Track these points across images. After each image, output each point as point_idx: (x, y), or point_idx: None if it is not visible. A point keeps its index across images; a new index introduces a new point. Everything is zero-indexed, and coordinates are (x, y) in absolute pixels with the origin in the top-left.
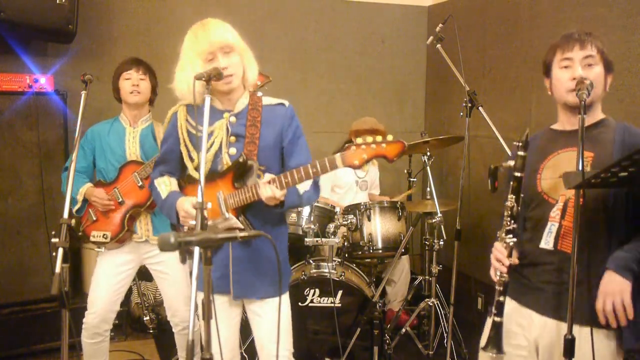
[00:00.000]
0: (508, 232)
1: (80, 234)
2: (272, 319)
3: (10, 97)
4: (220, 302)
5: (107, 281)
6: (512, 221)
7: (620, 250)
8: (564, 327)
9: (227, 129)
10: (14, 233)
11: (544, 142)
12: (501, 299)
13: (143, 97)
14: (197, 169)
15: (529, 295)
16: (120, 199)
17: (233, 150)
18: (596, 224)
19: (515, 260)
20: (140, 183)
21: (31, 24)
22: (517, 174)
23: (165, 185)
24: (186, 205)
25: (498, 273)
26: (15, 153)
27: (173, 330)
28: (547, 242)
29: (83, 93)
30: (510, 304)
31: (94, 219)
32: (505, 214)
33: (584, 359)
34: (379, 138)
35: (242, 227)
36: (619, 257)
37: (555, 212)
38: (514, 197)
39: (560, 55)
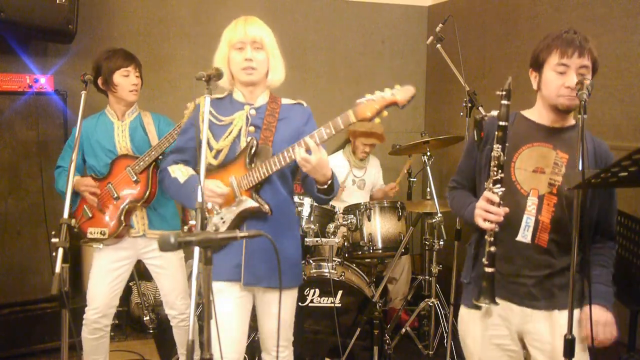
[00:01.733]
0: (496, 182)
1: (75, 230)
2: (274, 310)
3: (10, 97)
4: (233, 292)
5: (106, 277)
6: (500, 171)
7: (601, 284)
8: (539, 314)
9: (247, 118)
10: (14, 233)
11: (520, 130)
12: (492, 249)
13: (138, 95)
14: (215, 157)
15: (505, 288)
16: (115, 195)
17: (243, 142)
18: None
19: (505, 209)
20: (135, 178)
21: (31, 24)
22: (502, 123)
23: (181, 171)
24: (211, 185)
25: (487, 223)
26: (15, 153)
27: (171, 324)
28: (524, 235)
29: (83, 93)
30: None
31: (90, 215)
32: (492, 163)
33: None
34: (386, 89)
35: (256, 205)
36: (603, 291)
37: (531, 206)
38: (500, 146)
39: (556, 58)
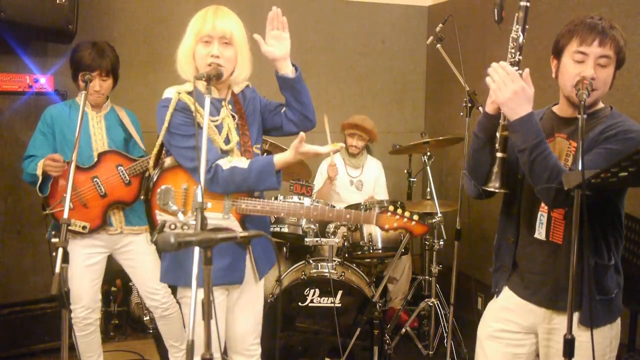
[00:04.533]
0: (513, 64)
1: (45, 212)
2: (254, 308)
3: (10, 97)
4: (217, 297)
5: (85, 274)
6: (518, 53)
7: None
8: (556, 316)
9: (232, 116)
10: (14, 233)
11: (545, 125)
12: (505, 133)
13: (104, 97)
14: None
15: (527, 289)
16: (103, 192)
17: (236, 137)
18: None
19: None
20: (128, 180)
21: (31, 24)
22: (523, 3)
23: (231, 160)
24: (289, 152)
25: (492, 84)
26: (15, 153)
27: (154, 316)
28: (539, 232)
29: (83, 93)
30: (508, 293)
31: (71, 206)
32: (510, 45)
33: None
34: (408, 214)
35: (240, 231)
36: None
37: None
38: (519, 27)
39: (576, 45)
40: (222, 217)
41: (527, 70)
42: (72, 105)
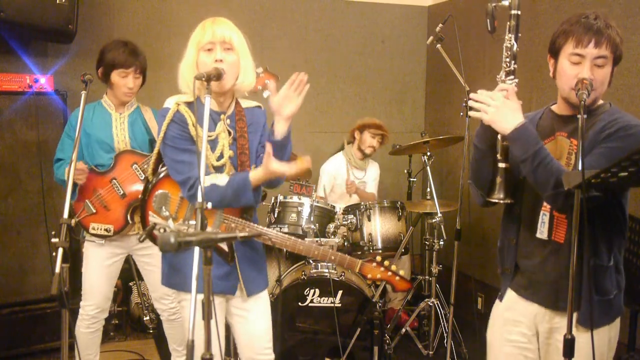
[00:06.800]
0: (508, 73)
1: (74, 224)
2: (261, 312)
3: (10, 97)
4: (218, 303)
5: (101, 273)
6: (513, 62)
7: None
8: (556, 315)
9: (229, 131)
10: (14, 233)
11: (545, 124)
12: (505, 143)
13: (134, 95)
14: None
15: (528, 289)
16: (122, 192)
17: (231, 152)
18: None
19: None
20: (143, 177)
21: (31, 24)
22: (514, 12)
23: (217, 177)
24: (261, 169)
25: (475, 113)
26: (15, 153)
27: (161, 318)
28: (541, 232)
29: (83, 93)
30: (511, 294)
31: (94, 211)
32: (504, 55)
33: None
34: (394, 267)
35: (226, 251)
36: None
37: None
38: (512, 36)
39: (572, 46)
40: (212, 228)
41: (512, 87)
42: (96, 107)
